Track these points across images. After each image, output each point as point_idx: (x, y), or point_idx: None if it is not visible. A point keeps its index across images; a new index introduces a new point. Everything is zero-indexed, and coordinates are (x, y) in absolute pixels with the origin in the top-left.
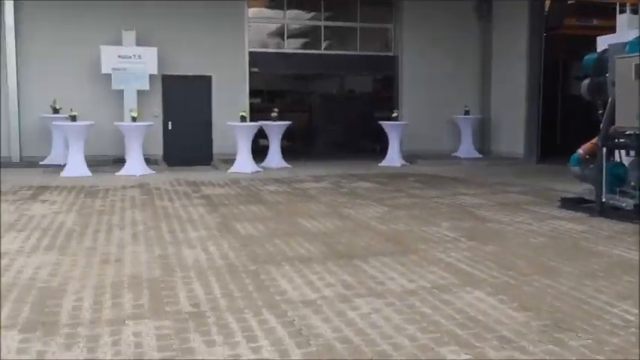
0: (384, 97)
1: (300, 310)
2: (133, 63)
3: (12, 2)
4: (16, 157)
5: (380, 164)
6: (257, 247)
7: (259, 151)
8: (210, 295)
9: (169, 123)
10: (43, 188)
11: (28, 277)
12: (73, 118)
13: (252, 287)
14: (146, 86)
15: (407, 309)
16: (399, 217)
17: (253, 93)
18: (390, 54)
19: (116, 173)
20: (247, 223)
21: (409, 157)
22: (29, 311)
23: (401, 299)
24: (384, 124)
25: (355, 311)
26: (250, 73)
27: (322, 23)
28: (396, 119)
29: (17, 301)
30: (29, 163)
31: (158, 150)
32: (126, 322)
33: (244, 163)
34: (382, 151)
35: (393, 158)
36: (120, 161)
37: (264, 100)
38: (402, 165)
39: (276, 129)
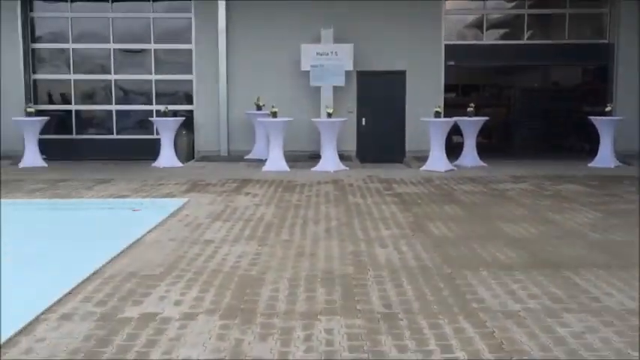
0: (595, 90)
1: (500, 320)
2: (330, 60)
3: (224, 3)
4: (224, 151)
5: (589, 165)
6: (452, 250)
7: (453, 149)
8: (403, 297)
9: (363, 119)
10: (246, 181)
11: (231, 265)
12: (274, 115)
13: (446, 292)
14: (342, 82)
15: (630, 332)
16: (614, 225)
17: (448, 87)
18: (604, 41)
19: (312, 169)
20: (441, 224)
21: (624, 157)
22: (230, 298)
23: (622, 319)
24: (595, 119)
25: (565, 328)
26: (446, 66)
27: (526, 11)
28: (609, 114)
29: (220, 287)
30: (235, 157)
31: (352, 146)
32: (318, 316)
33: (437, 161)
34: (592, 151)
35: (606, 158)
36: (315, 157)
37: (459, 95)
38: (616, 166)
39: (471, 125)
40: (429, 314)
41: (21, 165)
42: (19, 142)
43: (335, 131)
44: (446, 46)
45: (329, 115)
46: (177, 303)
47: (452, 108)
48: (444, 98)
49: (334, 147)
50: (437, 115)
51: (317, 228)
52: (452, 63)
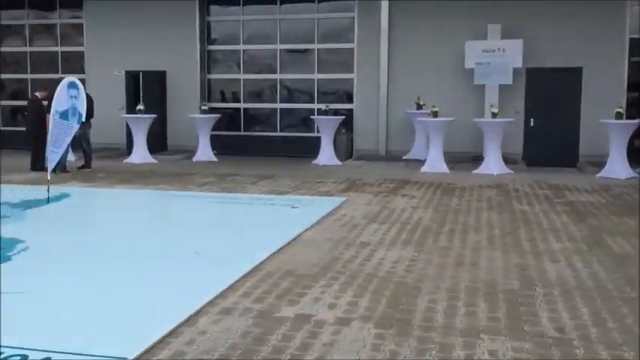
0: None
1: None
2: (497, 57)
3: (387, 3)
4: (382, 151)
5: None
6: (636, 270)
7: (635, 154)
8: (578, 321)
9: (531, 120)
10: (404, 182)
11: (387, 270)
12: (435, 114)
13: (631, 319)
14: (509, 81)
15: None
16: None
17: (632, 86)
18: None
19: (473, 171)
20: (622, 239)
21: None
22: (385, 305)
23: None
24: None
25: None
26: (630, 62)
27: None
28: None
29: (375, 293)
30: (393, 157)
31: (517, 148)
32: (480, 335)
33: (617, 167)
34: None
35: None
36: (477, 159)
37: None
38: None
39: None
40: (610, 344)
41: (194, 159)
42: (193, 137)
43: (500, 132)
44: (631, 40)
45: (494, 115)
46: (332, 306)
47: (636, 108)
48: (627, 98)
49: (498, 149)
50: (618, 116)
51: (478, 236)
52: (637, 59)
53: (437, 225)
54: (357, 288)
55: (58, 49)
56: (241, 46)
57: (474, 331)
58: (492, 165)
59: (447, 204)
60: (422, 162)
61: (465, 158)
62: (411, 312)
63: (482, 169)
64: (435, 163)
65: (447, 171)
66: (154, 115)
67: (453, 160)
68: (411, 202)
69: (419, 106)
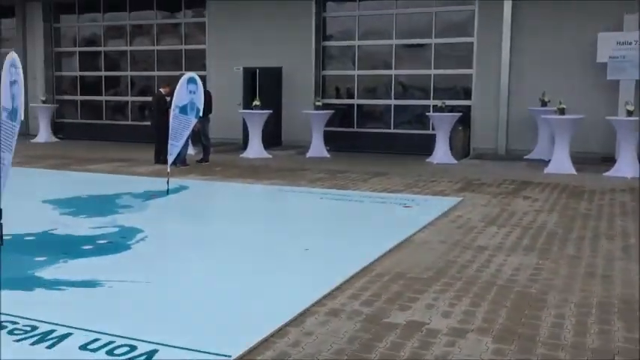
0: None
1: None
2: (634, 49)
3: (510, 2)
4: (502, 150)
5: None
6: None
7: None
8: None
9: None
10: (526, 183)
11: (507, 278)
12: (561, 112)
13: None
14: None
15: None
16: None
17: None
18: None
19: (604, 173)
20: None
21: None
22: (505, 318)
23: None
24: None
25: None
26: None
27: None
28: None
29: (494, 303)
30: (514, 156)
31: None
32: (616, 357)
33: None
34: None
35: None
36: (608, 160)
37: None
38: None
39: None
40: None
41: (308, 155)
42: (307, 133)
43: (636, 132)
44: None
45: (629, 113)
46: (446, 315)
47: None
48: None
49: (633, 150)
50: None
51: (611, 245)
52: None
53: (563, 231)
54: (474, 296)
55: (182, 47)
56: (356, 42)
57: (608, 352)
58: (626, 167)
59: (575, 208)
60: (545, 162)
61: (595, 159)
62: (535, 327)
63: (615, 171)
64: (561, 164)
65: (574, 172)
66: (269, 111)
67: (581, 160)
68: (534, 205)
69: (543, 103)
